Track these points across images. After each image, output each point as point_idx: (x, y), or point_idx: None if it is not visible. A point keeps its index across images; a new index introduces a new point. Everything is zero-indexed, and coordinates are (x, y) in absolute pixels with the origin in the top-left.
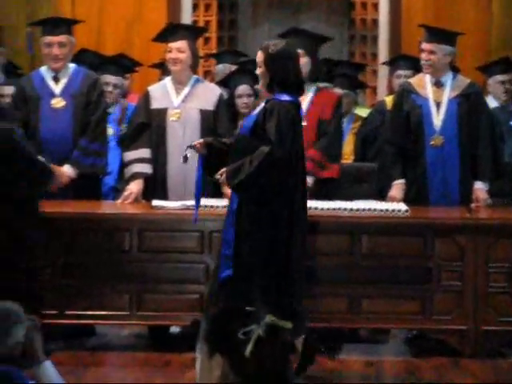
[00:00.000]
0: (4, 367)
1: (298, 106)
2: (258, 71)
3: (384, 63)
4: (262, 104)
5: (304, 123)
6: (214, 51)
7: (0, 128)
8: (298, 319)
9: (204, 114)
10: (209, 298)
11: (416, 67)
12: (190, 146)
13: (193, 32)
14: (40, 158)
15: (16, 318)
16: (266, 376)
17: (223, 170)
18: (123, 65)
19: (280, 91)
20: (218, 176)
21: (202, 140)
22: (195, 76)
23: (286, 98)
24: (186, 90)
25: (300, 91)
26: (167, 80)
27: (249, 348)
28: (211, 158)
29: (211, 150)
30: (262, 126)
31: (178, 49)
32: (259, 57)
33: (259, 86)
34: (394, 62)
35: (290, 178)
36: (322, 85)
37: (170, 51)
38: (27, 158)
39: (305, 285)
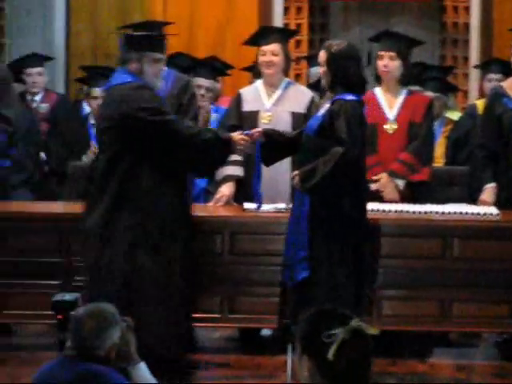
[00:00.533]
0: (101, 368)
1: (362, 104)
2: (321, 70)
3: (475, 66)
4: (327, 104)
5: (395, 126)
6: (305, 54)
7: (156, 121)
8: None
9: (295, 116)
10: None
11: (507, 71)
12: (246, 134)
13: (285, 35)
14: (213, 133)
15: (112, 320)
16: (350, 379)
17: (296, 172)
18: (215, 68)
19: (343, 91)
20: (291, 179)
21: (260, 129)
22: (287, 79)
23: (351, 97)
24: (278, 92)
25: (363, 90)
26: (259, 83)
27: (332, 351)
28: (269, 147)
29: (269, 139)
30: (330, 127)
31: (272, 52)
32: (321, 56)
33: (322, 86)
34: (486, 66)
35: (360, 178)
36: (413, 88)
37: (263, 54)
38: (193, 144)
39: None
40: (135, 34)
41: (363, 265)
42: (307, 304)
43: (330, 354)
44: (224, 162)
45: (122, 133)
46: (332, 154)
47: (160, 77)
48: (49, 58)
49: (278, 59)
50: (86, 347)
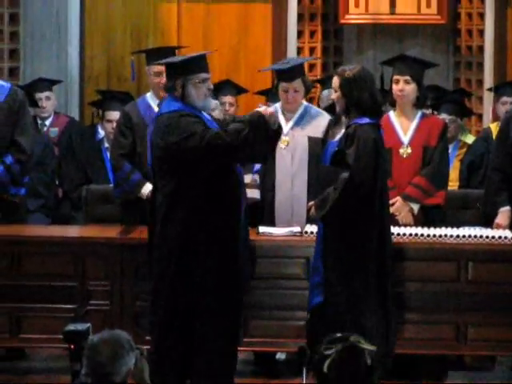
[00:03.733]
0: None
1: (379, 127)
2: (334, 96)
3: (489, 89)
4: (343, 130)
5: (409, 151)
6: (319, 77)
7: (196, 147)
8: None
9: (312, 141)
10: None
11: None
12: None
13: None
14: None
15: (128, 346)
16: None
17: (311, 203)
18: (233, 86)
19: (358, 115)
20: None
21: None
22: (305, 103)
23: (366, 120)
24: (296, 116)
25: (379, 114)
26: (278, 106)
27: (326, 364)
28: None
29: None
30: (343, 152)
31: (294, 89)
32: (335, 82)
33: (337, 112)
34: (500, 89)
35: (375, 203)
36: (427, 111)
37: (285, 91)
38: (239, 145)
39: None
40: (175, 60)
41: (386, 290)
42: (320, 330)
43: (325, 367)
44: (272, 136)
45: (170, 162)
46: (339, 180)
47: (209, 96)
48: (57, 82)
49: (300, 95)
50: (103, 373)
